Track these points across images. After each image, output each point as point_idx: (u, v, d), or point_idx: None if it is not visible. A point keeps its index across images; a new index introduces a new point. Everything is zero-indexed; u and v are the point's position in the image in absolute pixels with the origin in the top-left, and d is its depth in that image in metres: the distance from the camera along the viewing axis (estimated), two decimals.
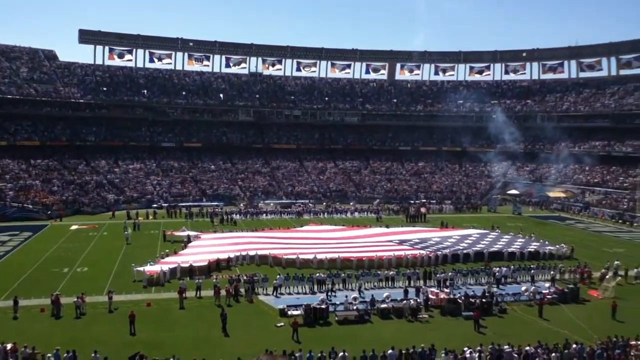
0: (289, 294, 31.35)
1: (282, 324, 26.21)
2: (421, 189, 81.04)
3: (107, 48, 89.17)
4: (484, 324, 26.59)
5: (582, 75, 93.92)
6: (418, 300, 29.08)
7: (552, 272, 35.22)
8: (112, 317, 26.94)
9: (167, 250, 40.20)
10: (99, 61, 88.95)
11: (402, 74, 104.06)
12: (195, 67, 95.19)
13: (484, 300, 29.02)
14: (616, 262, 37.13)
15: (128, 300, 29.18)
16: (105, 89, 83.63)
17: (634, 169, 69.34)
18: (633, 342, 22.70)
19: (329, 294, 31.14)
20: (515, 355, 21.26)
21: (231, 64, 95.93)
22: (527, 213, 67.49)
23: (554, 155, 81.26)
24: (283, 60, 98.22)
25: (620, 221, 61.40)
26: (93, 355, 20.54)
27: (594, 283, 34.19)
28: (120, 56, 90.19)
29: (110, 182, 70.88)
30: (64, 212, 59.18)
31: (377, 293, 30.24)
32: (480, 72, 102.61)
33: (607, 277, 33.50)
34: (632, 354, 21.67)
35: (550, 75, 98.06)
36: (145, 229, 52.04)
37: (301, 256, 38.31)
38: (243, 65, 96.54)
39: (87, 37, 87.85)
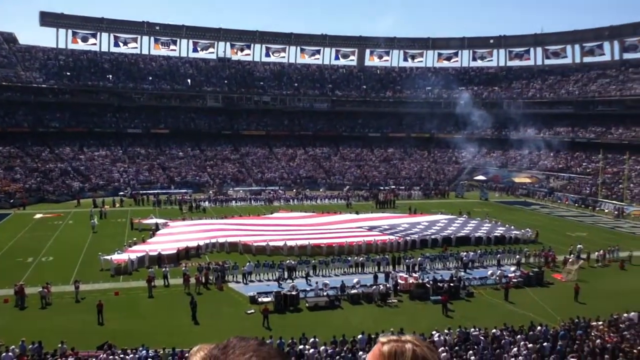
0: (259, 281, 31.37)
1: (252, 311, 26.23)
2: (390, 175, 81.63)
3: (70, 31, 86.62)
4: (452, 308, 27.12)
5: (548, 62, 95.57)
6: (387, 285, 29.45)
7: (517, 256, 36.08)
8: (79, 306, 26.53)
9: (134, 239, 39.67)
10: (61, 45, 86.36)
11: (372, 60, 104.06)
12: (162, 51, 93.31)
13: (451, 284, 29.56)
14: (579, 246, 38.21)
15: (95, 290, 28.76)
16: (68, 73, 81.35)
17: (596, 154, 71.13)
18: (594, 323, 23.46)
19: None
20: (482, 338, 21.73)
21: (199, 49, 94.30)
22: (494, 199, 68.72)
23: (520, 142, 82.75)
24: (252, 45, 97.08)
25: (583, 206, 63.05)
26: (60, 345, 20.21)
27: (558, 266, 35.12)
28: (84, 40, 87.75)
29: (75, 170, 69.31)
30: (27, 201, 57.71)
31: (347, 279, 30.49)
32: (448, 59, 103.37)
33: (570, 260, 34.45)
34: (592, 334, 22.39)
35: (516, 62, 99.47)
36: (112, 217, 51.17)
37: (271, 243, 38.29)
38: (211, 50, 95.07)
39: (48, 19, 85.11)
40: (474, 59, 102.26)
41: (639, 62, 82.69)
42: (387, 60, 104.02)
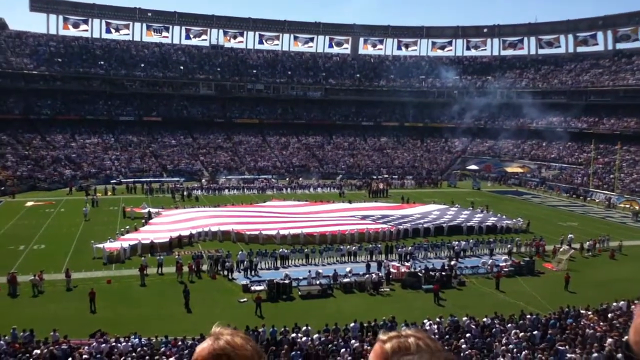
0: (253, 269, 31.38)
1: (245, 299, 26.29)
2: (383, 164, 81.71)
3: (60, 17, 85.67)
4: (444, 297, 27.29)
5: (541, 52, 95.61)
6: (380, 274, 29.58)
7: (509, 246, 36.31)
8: (71, 295, 26.50)
9: (127, 227, 39.57)
10: (52, 31, 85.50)
11: (365, 49, 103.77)
12: (154, 38, 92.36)
13: (443, 273, 29.73)
14: (570, 236, 38.48)
15: (87, 278, 28.72)
16: (59, 60, 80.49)
17: (588, 145, 71.47)
18: (584, 312, 23.69)
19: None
20: (473, 327, 21.90)
21: (191, 36, 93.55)
22: (486, 188, 68.99)
23: (513, 131, 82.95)
24: (245, 32, 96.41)
25: (574, 196, 63.41)
26: (52, 333, 20.18)
27: (548, 256, 35.39)
28: (75, 26, 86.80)
29: (67, 157, 68.89)
30: (17, 189, 57.33)
31: (339, 268, 30.60)
32: (442, 48, 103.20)
33: (560, 250, 34.71)
34: (582, 322, 22.61)
35: (510, 52, 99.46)
36: (104, 205, 50.97)
37: (264, 232, 38.31)
38: (204, 37, 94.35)
39: (38, 5, 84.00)
40: (468, 48, 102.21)
41: (632, 53, 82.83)
42: (380, 49, 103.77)
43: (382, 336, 1.55)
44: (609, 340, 19.75)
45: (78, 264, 30.95)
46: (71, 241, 36.70)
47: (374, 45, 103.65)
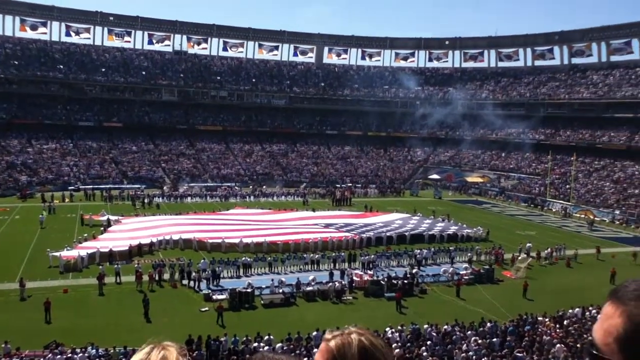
0: (215, 278, 30.98)
1: (206, 308, 25.93)
2: (347, 172, 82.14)
3: (17, 18, 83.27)
4: (405, 304, 27.51)
5: (501, 64, 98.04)
6: (343, 282, 29.64)
7: (469, 254, 36.93)
8: (25, 305, 25.63)
9: (85, 235, 38.56)
10: (8, 32, 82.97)
11: (330, 58, 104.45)
12: (116, 42, 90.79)
13: (405, 281, 29.99)
14: (528, 244, 39.40)
15: (43, 287, 27.81)
16: (16, 62, 78.09)
17: (545, 155, 73.45)
18: (541, 319, 24.26)
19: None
20: (434, 334, 22.14)
21: (154, 41, 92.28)
22: (447, 197, 70.08)
23: (473, 142, 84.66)
24: (209, 39, 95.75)
25: (532, 205, 65.04)
26: (3, 345, 19.50)
27: (507, 264, 36.12)
28: (33, 28, 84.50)
29: (23, 163, 66.79)
30: None
31: (302, 276, 30.52)
32: (405, 59, 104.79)
33: (519, 258, 35.49)
34: (539, 329, 23.14)
35: (471, 64, 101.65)
36: (62, 212, 49.58)
37: (227, 240, 37.93)
38: (167, 42, 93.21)
39: None
40: (430, 60, 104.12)
41: (586, 68, 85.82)
42: (345, 58, 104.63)
43: (327, 335, 1.60)
44: (558, 345, 20.34)
45: (33, 272, 29.97)
46: (26, 249, 35.53)
47: (339, 55, 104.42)
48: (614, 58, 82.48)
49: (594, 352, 1.38)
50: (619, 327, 1.34)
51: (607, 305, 1.41)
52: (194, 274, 29.66)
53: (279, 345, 20.45)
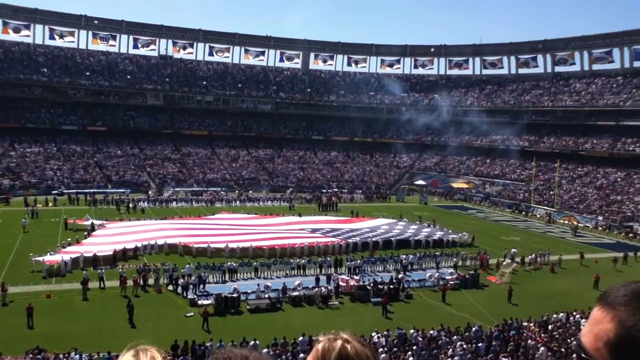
0: (201, 283, 30.77)
1: (192, 314, 25.74)
2: (333, 178, 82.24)
3: (0, 21, 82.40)
4: (392, 309, 27.55)
5: (485, 72, 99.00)
6: (329, 287, 29.60)
7: (454, 259, 37.10)
8: (7, 310, 25.25)
9: (69, 239, 38.09)
10: None
11: (316, 64, 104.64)
12: (101, 46, 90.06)
13: (391, 286, 30.04)
14: (513, 250, 39.72)
15: (25, 292, 27.44)
16: None
17: (529, 162, 74.16)
18: (525, 324, 24.44)
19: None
20: (420, 339, 22.18)
21: (139, 45, 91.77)
22: (433, 203, 70.42)
23: (458, 148, 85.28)
24: (195, 43, 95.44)
25: (516, 211, 65.58)
26: None
27: (492, 269, 36.36)
28: (16, 31, 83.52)
29: (6, 167, 65.88)
30: None
31: (288, 281, 30.44)
32: (390, 65, 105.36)
33: (504, 263, 35.75)
34: (524, 334, 23.30)
35: (456, 71, 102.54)
36: (45, 216, 48.98)
37: (212, 245, 37.69)
38: (152, 47, 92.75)
39: None
40: (416, 67, 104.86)
41: (569, 76, 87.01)
42: (331, 65, 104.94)
43: (320, 337, 1.65)
44: (542, 349, 20.51)
45: (15, 277, 29.55)
46: (8, 254, 35.01)
47: (325, 61, 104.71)
48: (595, 67, 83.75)
49: (584, 356, 1.39)
50: (610, 332, 1.34)
51: (597, 310, 1.41)
52: (181, 280, 29.36)
53: (265, 350, 20.34)
